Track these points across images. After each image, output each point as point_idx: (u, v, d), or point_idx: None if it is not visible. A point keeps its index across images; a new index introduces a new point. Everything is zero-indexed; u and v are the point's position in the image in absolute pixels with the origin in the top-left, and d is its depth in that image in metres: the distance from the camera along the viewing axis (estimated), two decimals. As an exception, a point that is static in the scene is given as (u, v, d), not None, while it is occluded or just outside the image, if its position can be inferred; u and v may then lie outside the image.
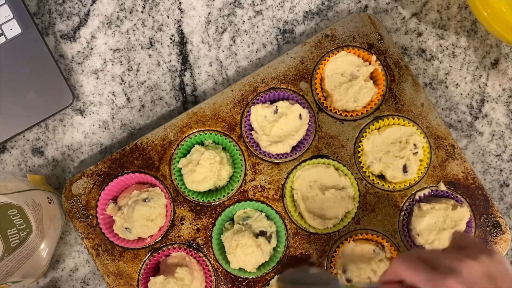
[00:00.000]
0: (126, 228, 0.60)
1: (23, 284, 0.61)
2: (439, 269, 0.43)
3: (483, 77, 0.69)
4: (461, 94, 0.68)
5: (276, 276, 0.61)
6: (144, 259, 0.62)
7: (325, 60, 0.63)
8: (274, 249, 0.62)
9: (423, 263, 0.44)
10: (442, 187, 0.63)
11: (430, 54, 0.68)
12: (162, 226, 0.62)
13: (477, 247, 0.46)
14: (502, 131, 0.68)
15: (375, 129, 0.63)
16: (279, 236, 0.62)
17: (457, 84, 0.68)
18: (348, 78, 0.63)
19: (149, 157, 0.62)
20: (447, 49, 0.69)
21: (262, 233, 0.61)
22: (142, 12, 0.67)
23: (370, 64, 0.64)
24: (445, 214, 0.61)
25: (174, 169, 0.62)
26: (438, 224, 0.61)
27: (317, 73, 0.63)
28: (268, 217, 0.63)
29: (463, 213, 0.61)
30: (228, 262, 0.62)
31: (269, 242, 0.61)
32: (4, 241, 0.55)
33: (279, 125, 0.61)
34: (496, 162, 0.68)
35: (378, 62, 0.63)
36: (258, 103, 0.63)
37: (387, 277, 0.45)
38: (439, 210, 0.61)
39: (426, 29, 0.68)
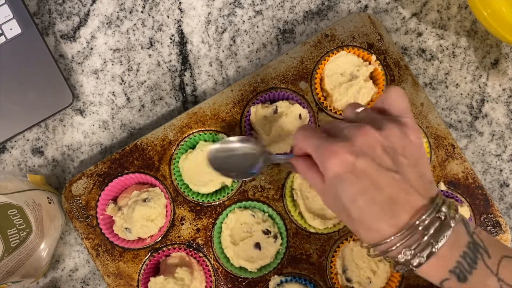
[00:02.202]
0: (126, 228, 0.60)
1: (23, 284, 0.61)
2: (337, 137, 0.41)
3: (483, 77, 0.69)
4: (461, 94, 0.68)
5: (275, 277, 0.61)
6: (144, 259, 0.62)
7: (324, 60, 0.63)
8: (275, 249, 0.62)
9: (320, 132, 0.42)
10: (442, 186, 0.63)
11: (430, 54, 0.68)
12: (162, 226, 0.62)
13: (398, 115, 0.42)
14: (502, 131, 0.68)
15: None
16: (281, 237, 0.62)
17: (457, 84, 0.68)
18: (348, 78, 0.63)
19: (149, 157, 0.62)
20: (447, 49, 0.69)
21: (266, 232, 0.61)
22: (142, 12, 0.67)
23: (370, 63, 0.64)
24: (445, 214, 0.61)
25: (174, 169, 0.62)
26: None
27: (317, 73, 0.63)
28: (270, 217, 0.63)
29: (463, 213, 0.61)
30: (229, 261, 0.62)
31: (274, 241, 0.61)
32: (4, 241, 0.55)
33: (279, 125, 0.61)
34: (496, 162, 0.68)
35: (378, 61, 0.63)
36: (258, 103, 0.63)
37: (295, 150, 0.44)
38: None
39: (426, 29, 0.68)
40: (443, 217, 0.38)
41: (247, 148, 0.51)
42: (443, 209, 0.39)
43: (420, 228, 0.38)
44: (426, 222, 0.38)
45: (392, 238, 0.38)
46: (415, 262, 0.38)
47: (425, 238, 0.38)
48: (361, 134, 0.39)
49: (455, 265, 0.38)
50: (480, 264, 0.38)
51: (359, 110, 0.44)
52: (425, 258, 0.38)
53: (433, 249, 0.38)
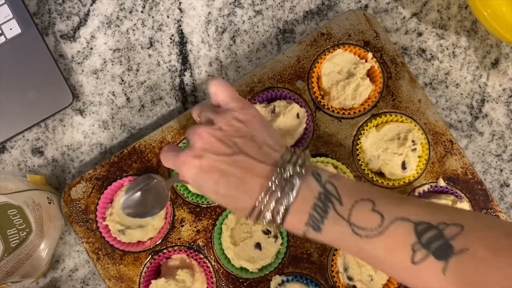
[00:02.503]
0: (119, 231, 0.60)
1: (23, 284, 0.61)
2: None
3: (483, 77, 0.69)
4: (461, 94, 0.68)
5: (277, 276, 0.61)
6: (145, 262, 0.62)
7: (321, 58, 0.63)
8: (275, 249, 0.62)
9: (173, 147, 0.52)
10: (442, 183, 0.63)
11: (430, 54, 0.68)
12: (161, 228, 0.62)
13: (224, 105, 0.49)
14: (502, 131, 0.68)
15: (373, 126, 0.63)
16: (281, 236, 0.62)
17: (457, 84, 0.68)
18: (345, 76, 0.63)
19: (148, 159, 0.62)
20: (447, 49, 0.68)
21: (266, 232, 0.61)
22: (142, 12, 0.67)
23: (366, 61, 0.64)
24: (445, 211, 0.61)
25: (172, 171, 0.62)
26: None
27: (314, 72, 0.63)
28: None
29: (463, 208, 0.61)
30: (229, 262, 0.62)
31: (275, 241, 0.61)
32: (4, 241, 0.55)
33: (277, 125, 0.61)
34: (496, 162, 0.68)
35: (375, 59, 0.63)
36: (255, 103, 0.63)
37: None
38: None
39: (426, 29, 0.68)
40: (288, 175, 0.43)
41: (148, 184, 0.56)
42: (288, 167, 0.44)
43: (273, 190, 0.43)
44: (275, 184, 0.43)
45: (256, 205, 0.44)
46: (278, 220, 0.44)
47: (278, 197, 0.43)
48: (196, 137, 0.47)
49: (308, 217, 0.43)
50: (331, 213, 0.42)
51: (199, 113, 0.52)
52: (281, 216, 0.43)
53: (285, 207, 0.43)
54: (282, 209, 0.43)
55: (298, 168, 0.44)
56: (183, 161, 0.47)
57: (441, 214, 0.41)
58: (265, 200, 0.44)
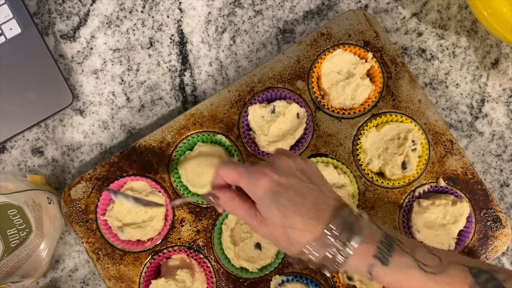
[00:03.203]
0: (118, 228, 0.60)
1: (23, 284, 0.61)
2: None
3: (483, 77, 0.68)
4: (461, 94, 0.68)
5: (276, 277, 0.61)
6: (145, 262, 0.62)
7: (321, 58, 0.63)
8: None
9: (242, 164, 0.49)
10: (442, 183, 0.63)
11: (430, 54, 0.68)
12: (161, 229, 0.62)
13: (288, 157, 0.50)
14: (502, 131, 0.68)
15: (373, 126, 0.63)
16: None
17: (457, 84, 0.68)
18: (345, 76, 0.63)
19: (148, 159, 0.62)
20: (447, 49, 0.68)
21: None
22: (142, 12, 0.67)
23: (366, 61, 0.64)
24: (445, 209, 0.61)
25: (172, 171, 0.62)
26: (438, 220, 0.61)
27: (314, 72, 0.63)
28: None
29: (463, 209, 0.61)
30: (229, 262, 0.62)
31: None
32: (4, 241, 0.55)
33: (277, 125, 0.61)
34: (496, 162, 0.68)
35: (375, 59, 0.63)
36: (255, 103, 0.63)
37: (215, 182, 0.49)
38: (439, 206, 0.61)
39: (426, 29, 0.68)
40: (355, 215, 0.46)
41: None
42: (353, 209, 0.47)
43: (340, 223, 0.44)
44: (344, 217, 0.45)
45: (324, 232, 0.44)
46: (347, 249, 0.44)
47: (348, 232, 0.44)
48: (280, 160, 0.47)
49: (377, 250, 0.44)
50: (397, 248, 0.45)
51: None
52: (350, 248, 0.44)
53: (354, 240, 0.44)
54: (352, 241, 0.44)
55: (359, 210, 0.47)
56: (264, 172, 0.46)
57: (486, 264, 0.47)
58: (334, 231, 0.44)
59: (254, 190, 0.46)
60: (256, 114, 0.62)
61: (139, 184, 0.63)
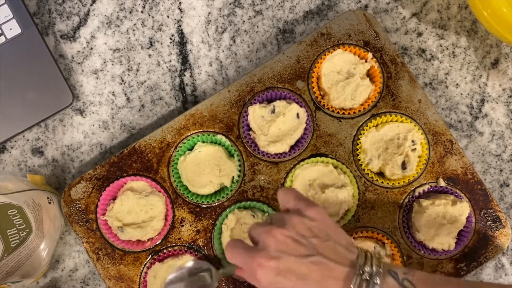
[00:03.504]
0: (118, 228, 0.61)
1: (23, 284, 0.61)
2: (258, 245, 0.46)
3: (483, 77, 0.68)
4: (461, 94, 0.68)
5: None
6: (145, 262, 0.62)
7: (321, 58, 0.63)
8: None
9: (243, 245, 0.47)
10: (441, 183, 0.63)
11: (430, 54, 0.68)
12: (161, 229, 0.62)
13: (293, 208, 0.48)
14: (502, 131, 0.68)
15: (373, 126, 0.64)
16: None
17: (457, 84, 0.68)
18: (345, 76, 0.63)
19: (148, 159, 0.62)
20: (447, 49, 0.68)
21: None
22: (142, 12, 0.67)
23: (366, 61, 0.64)
24: (444, 209, 0.61)
25: (172, 171, 0.62)
26: (438, 220, 0.61)
27: (314, 72, 0.63)
28: None
29: (463, 208, 0.61)
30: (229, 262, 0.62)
31: None
32: (4, 241, 0.55)
33: (277, 125, 0.61)
34: (496, 162, 0.68)
35: (374, 59, 0.63)
36: (255, 103, 0.63)
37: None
38: (439, 206, 0.61)
39: (426, 29, 0.68)
40: (368, 277, 0.43)
41: (197, 271, 0.55)
42: (366, 269, 0.44)
43: None
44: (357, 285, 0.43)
45: None
46: None
47: None
48: (271, 238, 0.45)
49: None
50: None
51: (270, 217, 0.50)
52: None
53: None
54: None
55: (375, 267, 0.44)
56: (259, 263, 0.44)
57: None
58: None
59: (257, 285, 0.45)
60: (256, 114, 0.62)
61: (139, 184, 0.63)
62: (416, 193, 0.63)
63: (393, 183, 0.63)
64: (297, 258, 0.44)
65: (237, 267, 0.49)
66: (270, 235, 0.45)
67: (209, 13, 0.68)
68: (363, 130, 0.63)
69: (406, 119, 0.63)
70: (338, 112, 0.63)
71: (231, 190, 0.62)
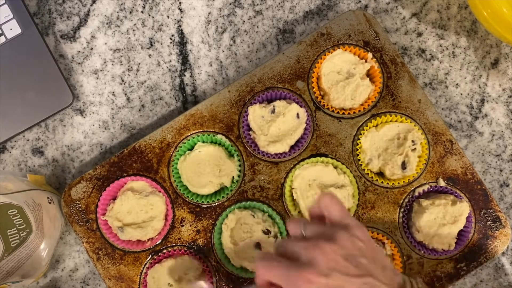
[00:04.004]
0: (119, 228, 0.61)
1: (23, 284, 0.61)
2: (299, 260, 0.42)
3: (483, 77, 0.69)
4: (461, 94, 0.68)
5: None
6: (145, 262, 0.62)
7: (321, 58, 0.63)
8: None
9: (280, 259, 0.43)
10: (441, 183, 0.63)
11: (430, 54, 0.68)
12: (162, 229, 0.62)
13: (339, 220, 0.45)
14: (502, 131, 0.68)
15: (373, 126, 0.64)
16: (281, 236, 0.62)
17: (457, 84, 0.68)
18: (345, 76, 0.63)
19: (148, 159, 0.62)
20: (447, 49, 0.68)
21: (266, 232, 0.61)
22: (142, 12, 0.68)
23: (366, 61, 0.64)
24: (444, 209, 0.61)
25: (173, 171, 0.62)
26: (438, 220, 0.61)
27: (314, 72, 0.63)
28: (270, 217, 0.63)
29: (463, 208, 0.61)
30: (229, 262, 0.62)
31: (274, 241, 0.61)
32: (4, 241, 0.55)
33: (277, 125, 0.61)
34: (496, 162, 0.68)
35: (374, 59, 0.63)
36: (255, 103, 0.63)
37: (258, 282, 0.44)
38: (439, 206, 0.61)
39: (426, 29, 0.68)
40: None
41: None
42: None
43: None
44: None
45: None
46: None
47: None
48: (320, 254, 0.42)
49: None
50: None
51: (303, 227, 0.47)
52: None
53: None
54: None
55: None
56: (308, 279, 0.40)
57: None
58: None
59: None
60: (256, 114, 0.62)
61: (139, 184, 0.63)
62: (416, 193, 0.63)
63: (393, 183, 0.63)
64: (348, 277, 0.41)
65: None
66: (319, 250, 0.42)
67: (209, 13, 0.68)
68: (363, 130, 0.63)
69: (406, 119, 0.63)
70: (338, 112, 0.63)
71: (231, 190, 0.62)
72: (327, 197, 0.47)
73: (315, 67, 0.63)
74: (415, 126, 0.63)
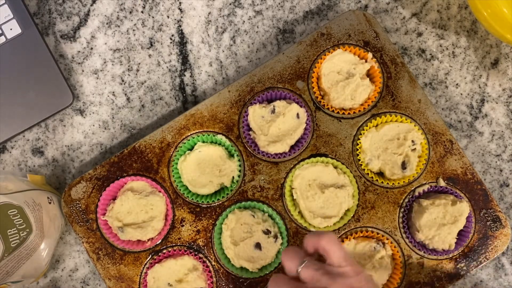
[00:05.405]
0: (119, 228, 0.61)
1: (23, 284, 0.61)
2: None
3: (483, 77, 0.69)
4: (461, 94, 0.68)
5: None
6: (145, 262, 0.62)
7: (321, 58, 0.63)
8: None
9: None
10: (441, 182, 0.63)
11: (430, 54, 0.68)
12: (162, 229, 0.62)
13: (337, 264, 0.46)
14: (502, 131, 0.68)
15: (373, 126, 0.64)
16: (281, 237, 0.62)
17: (457, 84, 0.68)
18: (345, 76, 0.63)
19: (148, 159, 0.62)
20: (447, 49, 0.69)
21: (266, 232, 0.61)
22: (142, 12, 0.68)
23: (366, 61, 0.64)
24: (444, 209, 0.61)
25: (173, 171, 0.62)
26: (438, 220, 0.61)
27: (314, 72, 0.63)
28: (270, 217, 0.63)
29: (463, 208, 0.61)
30: (229, 262, 0.62)
31: (274, 241, 0.61)
32: (4, 241, 0.55)
33: (277, 125, 0.61)
34: (496, 162, 0.68)
35: (374, 59, 0.63)
36: (255, 103, 0.63)
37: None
38: (439, 206, 0.61)
39: (426, 29, 0.68)
40: None
41: None
42: None
43: None
44: None
45: None
46: None
47: None
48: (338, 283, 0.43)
49: None
50: None
51: (299, 265, 0.47)
52: None
53: None
54: None
55: None
56: None
57: None
58: None
59: None
60: (256, 114, 0.62)
61: (139, 184, 0.63)
62: (416, 193, 0.63)
63: (393, 183, 0.63)
64: None
65: None
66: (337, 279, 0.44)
67: (209, 13, 0.68)
68: (363, 130, 0.63)
69: (406, 119, 0.63)
70: (338, 112, 0.63)
71: (231, 190, 0.62)
72: (327, 238, 0.47)
73: (315, 67, 0.63)
74: (415, 126, 0.63)
